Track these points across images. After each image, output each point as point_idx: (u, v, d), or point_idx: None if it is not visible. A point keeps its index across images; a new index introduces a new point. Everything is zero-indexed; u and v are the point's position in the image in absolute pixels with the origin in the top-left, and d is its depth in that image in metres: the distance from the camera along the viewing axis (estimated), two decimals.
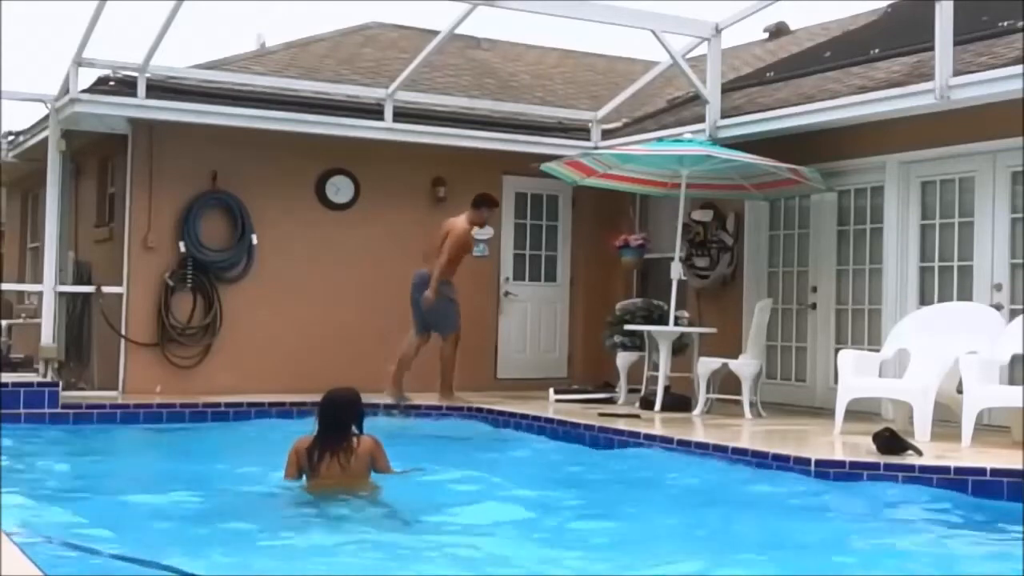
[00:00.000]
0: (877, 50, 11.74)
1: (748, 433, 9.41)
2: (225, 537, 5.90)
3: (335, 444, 6.78)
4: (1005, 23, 10.61)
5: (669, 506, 7.05)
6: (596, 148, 12.79)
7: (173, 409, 10.72)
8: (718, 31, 11.68)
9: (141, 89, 11.32)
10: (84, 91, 11.26)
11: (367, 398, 11.12)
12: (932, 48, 9.67)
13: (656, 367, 10.96)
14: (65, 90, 11.27)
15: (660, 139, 11.57)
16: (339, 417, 6.90)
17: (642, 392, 11.25)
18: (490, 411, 10.71)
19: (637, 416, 10.25)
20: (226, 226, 12.02)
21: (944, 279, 10.33)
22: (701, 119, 11.77)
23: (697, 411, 10.46)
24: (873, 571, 5.58)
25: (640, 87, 13.39)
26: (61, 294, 11.71)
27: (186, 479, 7.56)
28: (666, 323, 11.06)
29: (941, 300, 10.22)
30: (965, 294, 10.09)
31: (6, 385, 10.26)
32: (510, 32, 15.60)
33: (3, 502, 5.72)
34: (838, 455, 8.00)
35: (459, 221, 11.45)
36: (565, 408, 10.81)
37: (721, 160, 10.74)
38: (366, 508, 6.59)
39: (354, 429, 6.93)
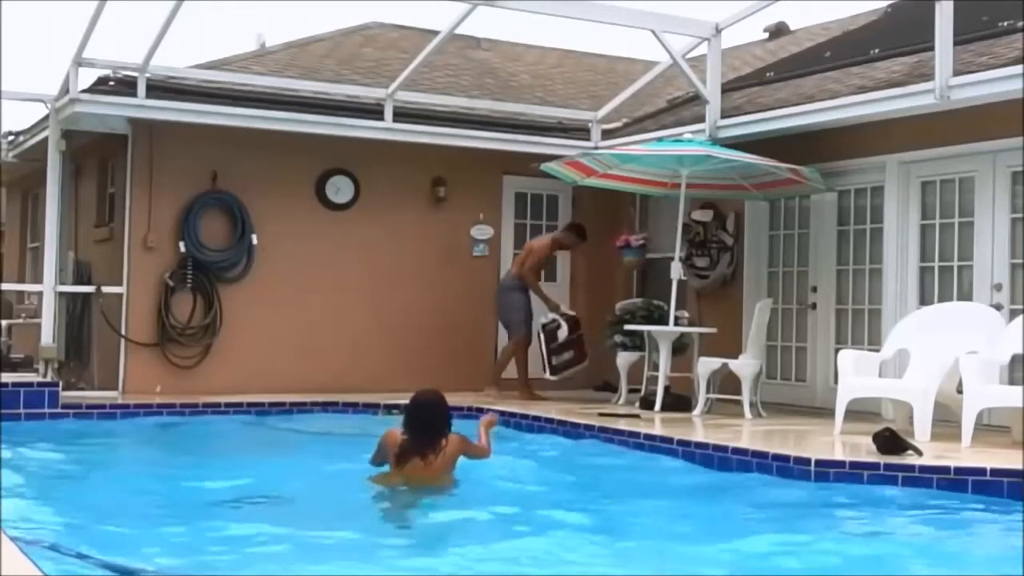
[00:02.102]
0: (877, 50, 11.74)
1: (748, 433, 9.40)
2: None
3: (426, 447, 6.84)
4: (1005, 23, 10.61)
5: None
6: (596, 148, 12.79)
7: (173, 409, 10.73)
8: (718, 31, 11.67)
9: (141, 89, 11.32)
10: (84, 91, 11.26)
11: (365, 398, 11.32)
12: (932, 48, 9.66)
13: (656, 367, 10.96)
14: (65, 90, 11.27)
15: (660, 139, 11.56)
16: (430, 421, 6.95)
17: (642, 392, 11.25)
18: (490, 411, 10.68)
19: (637, 416, 10.25)
20: (226, 226, 12.02)
21: (944, 279, 10.33)
22: (701, 119, 11.77)
23: (697, 411, 10.46)
24: (873, 571, 5.58)
25: (640, 87, 13.39)
26: (61, 294, 11.71)
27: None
28: (666, 323, 11.06)
29: (941, 300, 10.22)
30: (965, 294, 10.09)
31: (6, 385, 10.26)
32: (510, 32, 15.61)
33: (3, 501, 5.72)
34: (838, 455, 8.00)
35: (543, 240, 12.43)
36: (565, 408, 10.80)
37: (721, 160, 10.73)
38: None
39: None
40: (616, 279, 13.34)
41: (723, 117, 11.62)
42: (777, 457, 7.75)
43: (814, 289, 11.48)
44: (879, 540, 6.21)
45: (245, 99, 11.89)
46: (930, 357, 8.96)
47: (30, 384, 10.48)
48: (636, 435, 8.94)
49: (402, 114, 12.37)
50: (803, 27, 15.33)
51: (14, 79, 11.53)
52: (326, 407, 11.16)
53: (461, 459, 7.06)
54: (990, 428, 9.10)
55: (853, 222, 11.18)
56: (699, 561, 5.54)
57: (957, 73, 9.54)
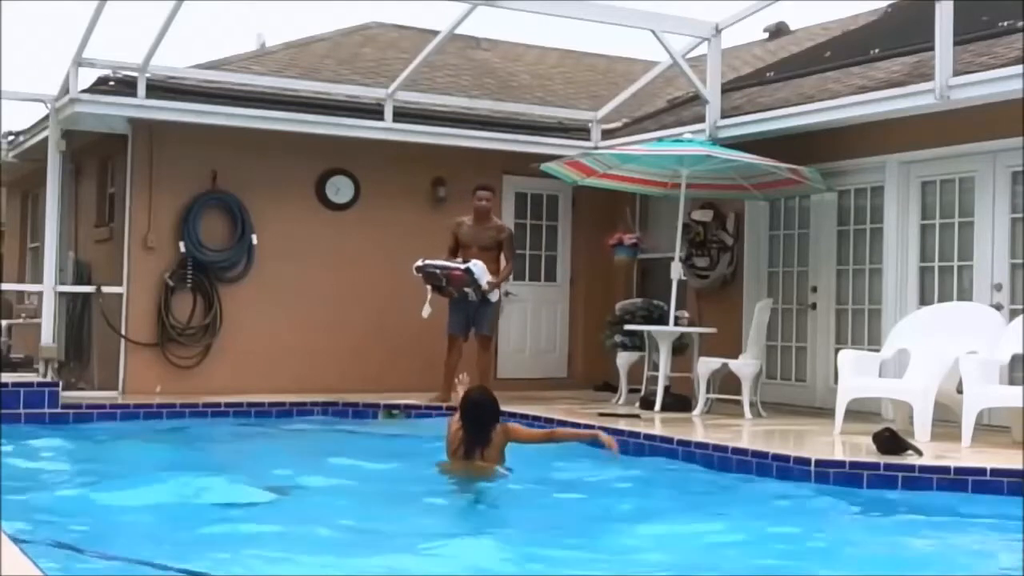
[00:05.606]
0: (877, 50, 11.74)
1: (748, 433, 9.40)
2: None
3: (480, 443, 7.45)
4: (1005, 23, 10.61)
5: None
6: (596, 148, 12.78)
7: (173, 409, 10.72)
8: (718, 31, 11.67)
9: (141, 89, 11.32)
10: (84, 91, 11.26)
11: (365, 398, 11.31)
12: (932, 48, 9.66)
13: (656, 367, 10.96)
14: (65, 90, 11.27)
15: (660, 139, 11.57)
16: (482, 419, 7.50)
17: (642, 392, 11.25)
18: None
19: (637, 416, 10.25)
20: (226, 226, 12.02)
21: (944, 279, 10.33)
22: (701, 119, 11.77)
23: (697, 411, 10.46)
24: (875, 570, 5.58)
25: (640, 87, 13.39)
26: (61, 294, 11.71)
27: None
28: (666, 323, 11.06)
29: (941, 300, 10.22)
30: (965, 294, 10.09)
31: (6, 385, 10.26)
32: (510, 32, 15.61)
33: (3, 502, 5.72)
34: (838, 455, 8.00)
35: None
36: (566, 408, 10.80)
37: (721, 160, 10.74)
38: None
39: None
40: (616, 279, 13.33)
41: (723, 117, 11.61)
42: (777, 457, 7.75)
43: (814, 289, 11.48)
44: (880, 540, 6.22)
45: (245, 99, 11.88)
46: (930, 357, 8.96)
47: (30, 384, 10.47)
48: (636, 435, 8.93)
49: (402, 114, 12.37)
50: (803, 27, 15.32)
51: (14, 79, 11.55)
52: (326, 407, 11.16)
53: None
54: (990, 428, 9.10)
55: (853, 222, 11.18)
56: None
57: (957, 73, 9.54)
